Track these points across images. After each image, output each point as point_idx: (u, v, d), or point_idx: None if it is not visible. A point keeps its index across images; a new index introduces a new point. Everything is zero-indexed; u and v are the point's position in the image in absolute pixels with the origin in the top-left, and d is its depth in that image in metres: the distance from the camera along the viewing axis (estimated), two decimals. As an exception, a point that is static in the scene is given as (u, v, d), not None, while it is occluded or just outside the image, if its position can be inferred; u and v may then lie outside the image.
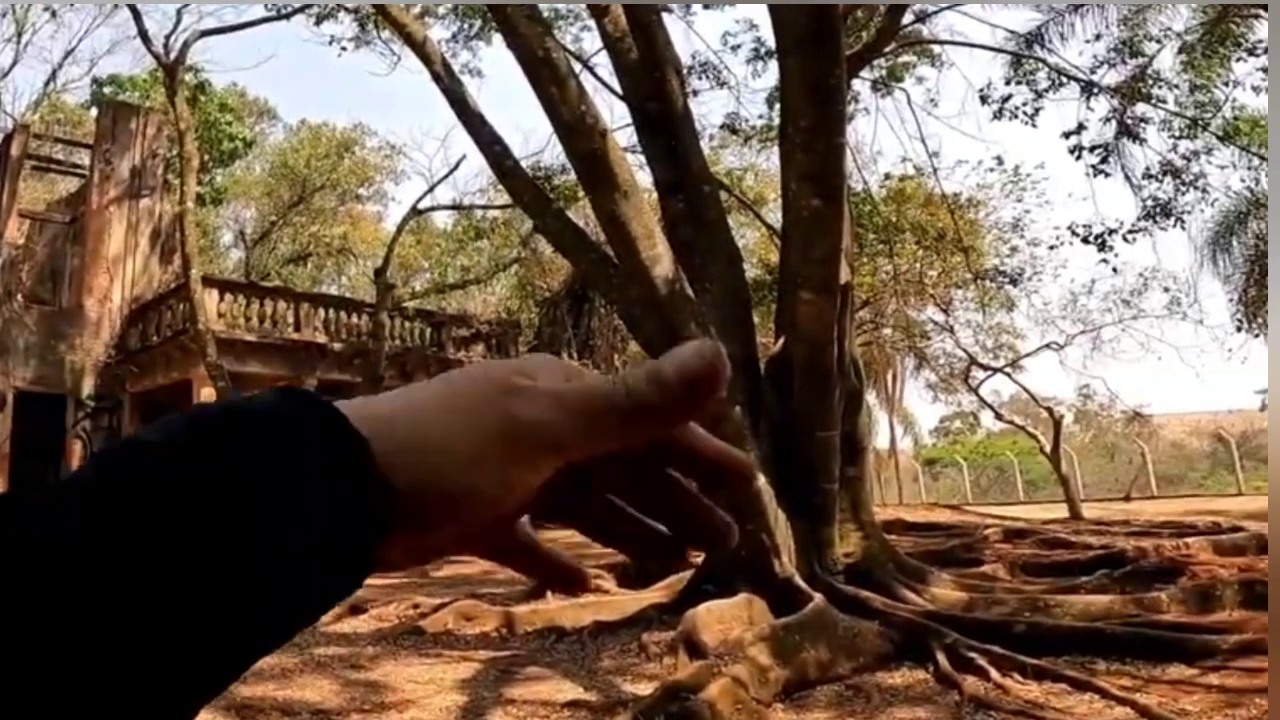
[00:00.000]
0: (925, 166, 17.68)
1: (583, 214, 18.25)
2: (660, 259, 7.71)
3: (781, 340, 7.76)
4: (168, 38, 17.54)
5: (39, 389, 17.55)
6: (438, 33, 16.24)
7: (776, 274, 9.53)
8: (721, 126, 18.30)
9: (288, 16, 17.97)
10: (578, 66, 9.57)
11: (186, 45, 17.48)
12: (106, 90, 26.97)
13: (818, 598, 6.63)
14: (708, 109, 51.13)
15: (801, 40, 6.81)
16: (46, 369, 17.80)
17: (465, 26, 17.49)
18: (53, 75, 29.24)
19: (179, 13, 17.88)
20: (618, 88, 9.64)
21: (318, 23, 18.14)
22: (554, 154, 19.25)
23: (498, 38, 17.34)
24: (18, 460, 16.95)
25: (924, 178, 18.55)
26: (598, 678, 6.18)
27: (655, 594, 8.29)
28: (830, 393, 7.69)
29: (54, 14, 21.65)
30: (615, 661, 6.57)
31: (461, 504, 0.37)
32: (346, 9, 17.61)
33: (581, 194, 18.50)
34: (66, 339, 18.21)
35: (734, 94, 20.24)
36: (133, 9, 17.28)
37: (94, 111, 24.43)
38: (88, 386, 18.28)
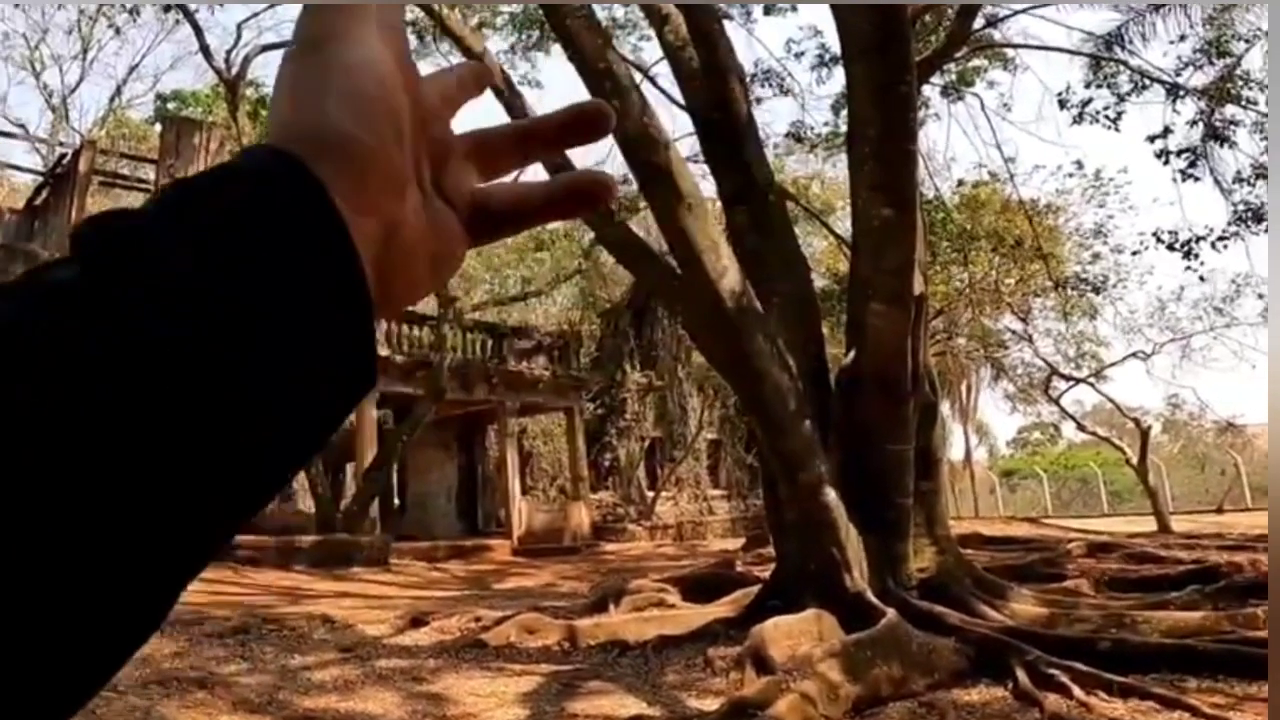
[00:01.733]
0: (1001, 172, 17.51)
1: (644, 224, 18.40)
2: (726, 271, 7.72)
3: (852, 352, 7.71)
4: (229, 53, 18.28)
5: None
6: (495, 44, 16.55)
7: (846, 284, 9.47)
8: (786, 134, 18.25)
9: None
10: (638, 76, 9.63)
11: (248, 60, 18.14)
12: (170, 106, 27.95)
13: (890, 613, 6.55)
14: (771, 117, 50.98)
15: (868, 47, 6.81)
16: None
17: (523, 37, 17.73)
18: (117, 91, 30.52)
19: (239, 28, 18.68)
20: (679, 97, 9.70)
21: None
22: (615, 164, 19.48)
23: (556, 48, 17.71)
24: None
25: (999, 183, 18.32)
26: (662, 692, 6.16)
27: (721, 608, 8.26)
28: (903, 406, 7.63)
29: (118, 31, 22.52)
30: (680, 676, 6.56)
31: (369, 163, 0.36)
32: (405, 22, 17.92)
33: (644, 204, 18.81)
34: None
35: (798, 101, 20.25)
36: (194, 25, 17.96)
37: (158, 127, 25.39)
38: None
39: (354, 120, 0.36)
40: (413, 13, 17.18)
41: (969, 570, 8.25)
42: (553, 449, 24.44)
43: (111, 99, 30.34)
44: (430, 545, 17.15)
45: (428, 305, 24.56)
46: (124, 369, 0.26)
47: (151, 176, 20.93)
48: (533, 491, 22.76)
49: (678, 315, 13.07)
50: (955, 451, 29.32)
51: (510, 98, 9.53)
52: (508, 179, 0.46)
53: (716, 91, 8.51)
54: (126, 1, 16.71)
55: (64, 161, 20.46)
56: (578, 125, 0.45)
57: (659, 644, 7.31)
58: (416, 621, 8.41)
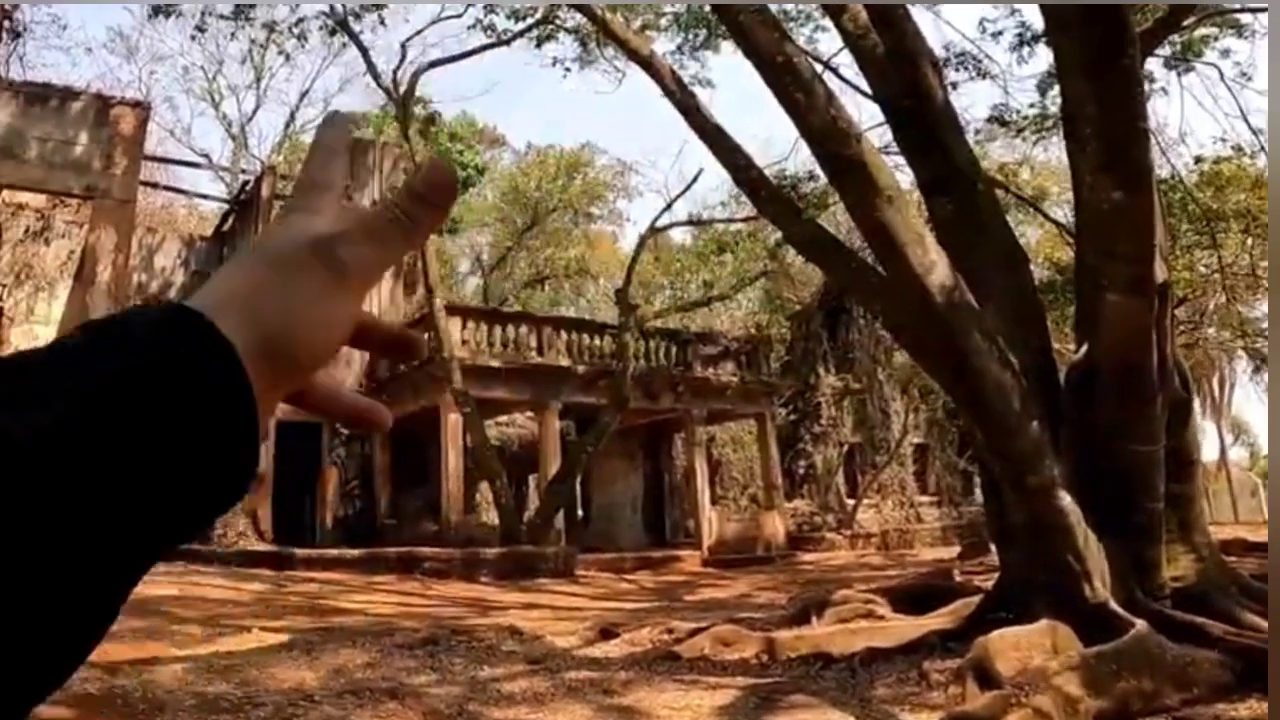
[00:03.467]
0: (1249, 145, 16.38)
1: (833, 221, 18.17)
2: (934, 266, 7.53)
3: (1084, 347, 7.34)
4: (395, 72, 19.30)
5: (297, 418, 19.16)
6: (662, 45, 16.82)
7: (1070, 274, 9.03)
8: (988, 119, 17.63)
9: (508, 42, 19.22)
10: (817, 68, 9.54)
11: (415, 78, 19.04)
12: (342, 128, 30.01)
13: (1139, 624, 6.21)
14: (969, 101, 49.04)
15: (1078, 21, 6.52)
16: (305, 400, 19.73)
17: (690, 37, 17.93)
18: (291, 117, 33.18)
19: (403, 47, 19.70)
20: (864, 86, 9.56)
21: (538, 45, 19.21)
22: (798, 161, 19.52)
23: (726, 46, 17.81)
24: (279, 486, 19.06)
25: (1246, 157, 16.99)
26: (871, 707, 6.02)
27: (938, 620, 8.04)
28: (1150, 403, 7.25)
29: (288, 57, 24.46)
30: (891, 690, 6.38)
31: (313, 352, 0.48)
32: (567, 30, 18.60)
33: (832, 201, 18.71)
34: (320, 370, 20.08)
35: (998, 84, 19.44)
36: (360, 46, 19.31)
37: (332, 150, 27.18)
38: None
39: (305, 356, 0.47)
40: (574, 18, 17.85)
41: (1234, 578, 7.70)
42: (743, 457, 24.55)
43: (286, 124, 33.07)
44: (616, 556, 17.51)
45: (608, 313, 25.32)
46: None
47: (330, 198, 22.43)
48: (723, 501, 22.92)
49: (877, 314, 12.88)
50: (1208, 452, 27.03)
51: (683, 99, 9.64)
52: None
53: (907, 78, 8.35)
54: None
55: (247, 188, 22.32)
56: (395, 347, 0.60)
57: (867, 657, 7.15)
58: (606, 633, 8.54)
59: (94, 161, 18.49)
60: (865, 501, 23.56)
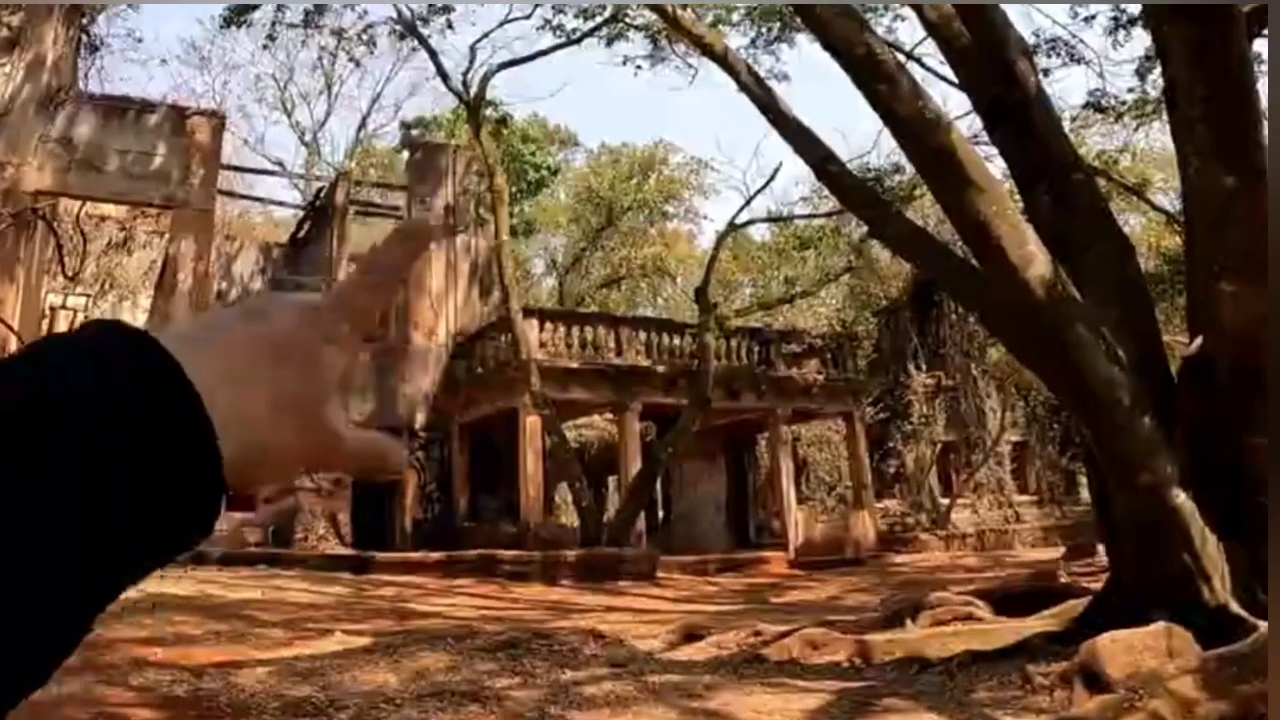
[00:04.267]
0: None
1: (920, 214, 17.96)
2: (1033, 258, 7.47)
3: (1199, 339, 7.14)
4: (465, 75, 19.66)
5: (375, 423, 19.73)
6: (734, 40, 16.82)
7: (1179, 264, 8.84)
8: (1084, 106, 17.29)
9: (577, 41, 19.50)
10: (900, 57, 9.50)
11: (485, 80, 19.39)
12: (414, 132, 30.79)
13: (1263, 626, 5.97)
14: (1062, 88, 47.85)
15: (1181, 3, 6.41)
16: (381, 403, 20.46)
17: (763, 31, 17.92)
18: (362, 123, 34.05)
19: (472, 50, 20.13)
20: (950, 75, 9.50)
21: (609, 44, 19.48)
22: (882, 154, 19.36)
23: (800, 39, 17.76)
24: (359, 490, 19.61)
25: None
26: (971, 710, 5.96)
27: (1042, 622, 7.94)
28: (1267, 396, 7.02)
29: (357, 63, 25.10)
30: (992, 694, 6.30)
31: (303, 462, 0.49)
32: (636, 27, 18.70)
33: (918, 193, 18.54)
34: (397, 374, 20.84)
35: (1094, 69, 19.03)
36: (429, 50, 19.72)
37: (405, 155, 28.03)
38: (419, 418, 20.81)
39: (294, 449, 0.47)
40: (644, 15, 17.95)
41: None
42: (830, 456, 24.56)
43: (358, 130, 33.93)
44: (699, 558, 17.49)
45: (687, 313, 25.38)
46: None
47: (402, 202, 23.09)
48: (809, 501, 22.90)
49: (972, 309, 12.76)
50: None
51: (759, 93, 9.67)
52: None
53: (996, 66, 8.30)
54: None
55: (321, 195, 22.96)
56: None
57: (966, 660, 7.05)
58: (691, 636, 8.55)
59: (172, 172, 19.16)
60: (960, 501, 23.32)
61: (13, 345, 16.24)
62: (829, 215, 23.49)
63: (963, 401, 24.80)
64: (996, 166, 9.64)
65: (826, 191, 17.01)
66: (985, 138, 9.32)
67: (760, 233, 32.70)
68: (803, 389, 20.87)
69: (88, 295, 18.80)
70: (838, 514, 21.91)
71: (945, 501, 23.36)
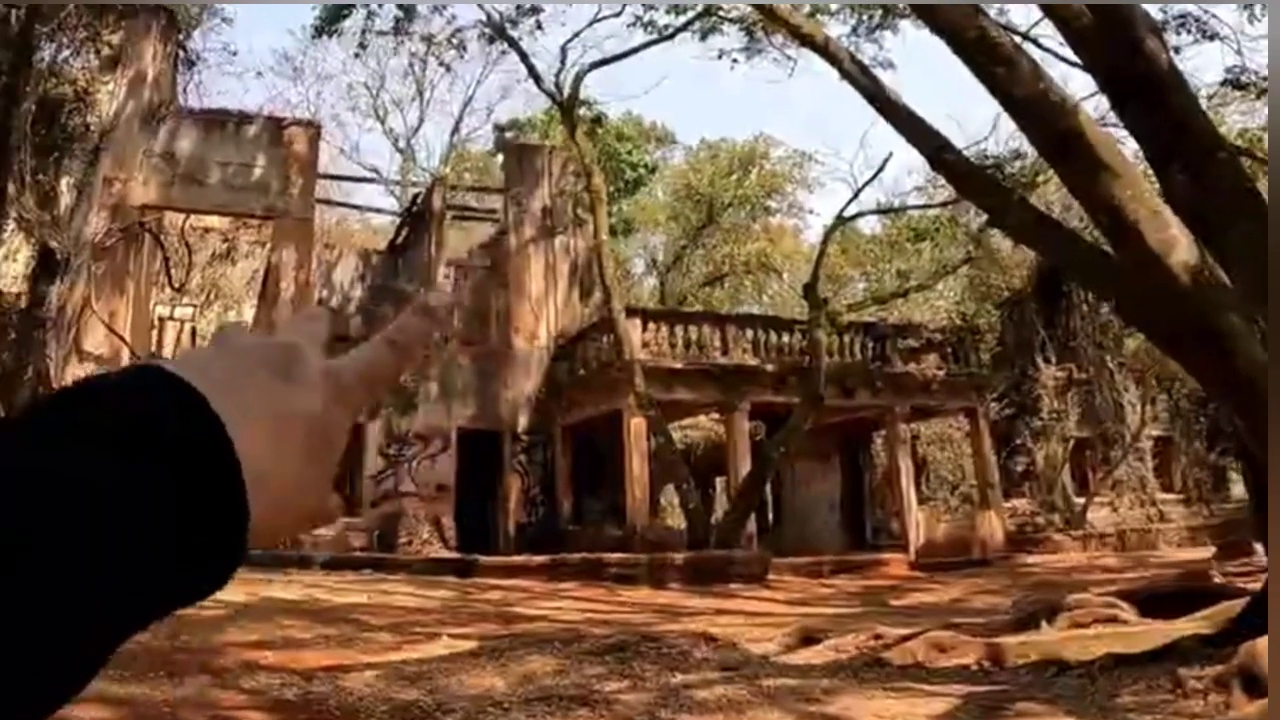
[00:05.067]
0: None
1: (1043, 201, 17.54)
2: (1175, 242, 7.26)
3: None
4: (557, 76, 20.00)
5: (477, 426, 20.73)
6: (834, 29, 16.77)
7: None
8: (1222, 83, 16.62)
9: (670, 37, 19.63)
10: (1015, 39, 9.33)
11: (578, 80, 19.67)
12: (508, 135, 31.37)
13: None
14: (1195, 64, 45.99)
15: None
16: (483, 407, 20.94)
17: (864, 19, 17.78)
18: (455, 127, 34.83)
19: (563, 50, 20.36)
20: (1070, 55, 9.33)
21: (703, 38, 19.52)
22: (1000, 140, 19.04)
23: (904, 25, 17.49)
24: (462, 494, 20.11)
25: None
26: (1115, 715, 5.85)
27: (1193, 624, 7.77)
28: None
29: (448, 68, 25.65)
30: (1138, 698, 6.14)
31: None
32: (731, 21, 18.67)
33: (1042, 179, 18.07)
34: (499, 377, 21.27)
35: (1230, 45, 18.37)
36: (520, 53, 20.13)
37: (499, 157, 28.56)
38: (522, 421, 21.19)
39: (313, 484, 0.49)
40: (738, 8, 17.92)
41: None
42: (952, 454, 24.33)
43: (451, 135, 34.76)
44: (813, 560, 17.43)
45: (796, 308, 25.18)
46: None
47: (499, 205, 23.51)
48: (930, 501, 22.72)
49: (1106, 299, 12.39)
50: None
51: (865, 82, 9.63)
52: None
53: (1121, 44, 8.00)
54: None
55: (418, 201, 23.60)
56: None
57: (1108, 663, 6.90)
58: (807, 639, 8.51)
59: (272, 182, 19.98)
60: (1097, 499, 22.82)
61: (125, 356, 17.12)
62: (944, 205, 23.16)
63: (1098, 395, 24.30)
64: (1128, 148, 9.37)
65: (941, 181, 16.84)
66: (1113, 119, 9.16)
67: (870, 225, 32.42)
68: (921, 385, 20.63)
69: (194, 305, 19.67)
70: (961, 514, 21.69)
71: (1080, 500, 22.90)
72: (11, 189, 16.94)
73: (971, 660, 7.62)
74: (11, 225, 17.62)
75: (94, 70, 19.05)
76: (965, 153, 11.00)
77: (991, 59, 7.75)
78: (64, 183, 18.45)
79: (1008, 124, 9.18)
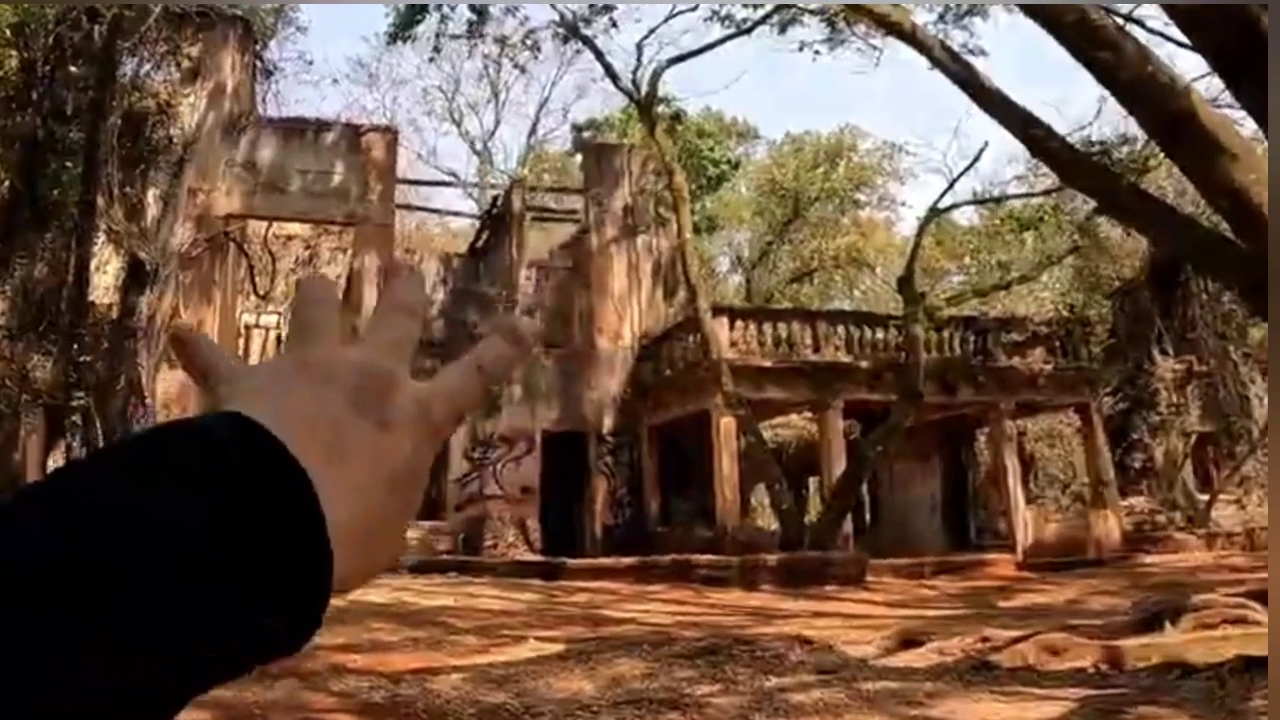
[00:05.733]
0: None
1: (1153, 186, 17.11)
2: None
3: None
4: (634, 74, 20.12)
5: (562, 428, 21.00)
6: (920, 17, 16.54)
7: None
8: None
9: (748, 31, 19.65)
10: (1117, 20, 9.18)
11: (655, 77, 19.82)
12: (586, 134, 31.71)
13: None
14: None
15: None
16: (567, 409, 21.18)
17: (951, 6, 17.57)
18: (532, 128, 35.32)
19: (639, 47, 20.49)
20: (1178, 35, 9.14)
21: (781, 31, 19.45)
22: (1106, 125, 18.65)
23: (994, 10, 17.17)
24: (547, 496, 20.40)
25: None
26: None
27: None
28: None
29: (522, 70, 26.00)
30: (1270, 702, 5.74)
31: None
32: (811, 12, 18.55)
33: (1154, 163, 17.60)
34: (583, 378, 21.50)
35: None
36: (595, 51, 20.31)
37: (577, 158, 28.83)
38: (607, 422, 21.42)
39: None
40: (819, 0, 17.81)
41: None
42: (1061, 451, 24.05)
43: (528, 136, 35.31)
44: (913, 561, 17.34)
45: (890, 304, 24.90)
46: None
47: (579, 206, 23.71)
48: (1039, 500, 22.42)
49: (1228, 285, 12.00)
50: None
51: (957, 69, 9.60)
52: None
53: (1232, 21, 7.76)
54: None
55: (497, 203, 23.99)
56: None
57: (1239, 666, 6.67)
58: (908, 642, 8.43)
59: (351, 189, 20.50)
60: (1222, 497, 22.08)
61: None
62: (1047, 194, 22.88)
63: (1221, 388, 23.71)
64: (1246, 129, 9.12)
65: (1044, 169, 16.48)
66: (1227, 100, 9.15)
67: (966, 216, 32.02)
68: (1028, 380, 20.35)
69: (278, 313, 20.22)
70: (1073, 513, 21.40)
71: (1204, 498, 22.31)
72: (100, 202, 17.68)
73: (1088, 663, 7.49)
74: (101, 238, 18.39)
75: (175, 83, 19.79)
76: (1069, 139, 10.79)
77: (1093, 43, 7.68)
78: (150, 194, 19.15)
79: (1113, 107, 8.99)
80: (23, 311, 18.06)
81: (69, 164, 18.33)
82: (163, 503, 0.36)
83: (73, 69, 18.64)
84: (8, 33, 17.98)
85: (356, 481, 0.43)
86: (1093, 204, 14.23)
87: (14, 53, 18.30)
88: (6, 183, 18.69)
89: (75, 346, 17.21)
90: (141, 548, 0.34)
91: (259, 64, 21.86)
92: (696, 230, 24.70)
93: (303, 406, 0.44)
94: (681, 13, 20.61)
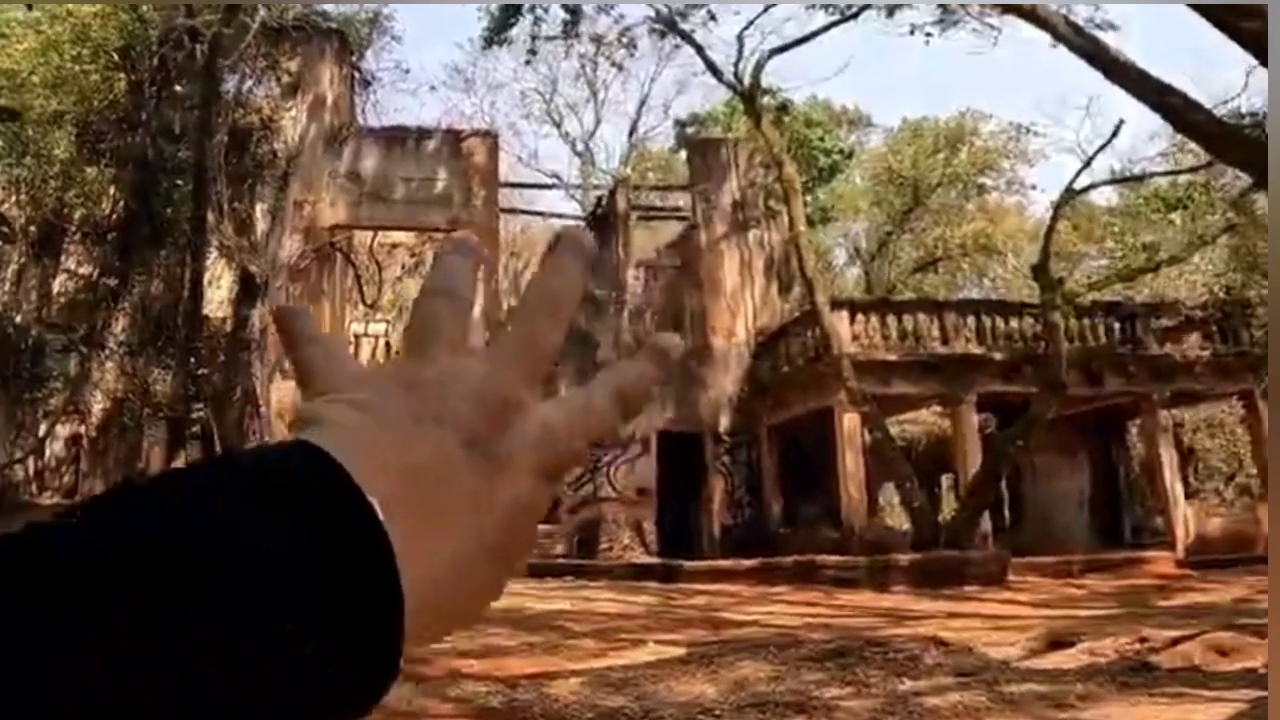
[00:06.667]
0: None
1: None
2: None
3: None
4: (736, 66, 20.07)
5: (678, 428, 21.03)
6: None
7: None
8: None
9: (854, 16, 19.44)
10: None
11: (758, 68, 19.74)
12: (689, 130, 31.81)
13: None
14: None
15: None
16: (682, 408, 21.18)
17: None
18: (633, 126, 35.52)
19: (739, 39, 20.41)
20: None
21: (889, 15, 19.24)
22: (1255, 96, 18.13)
23: None
24: (664, 497, 20.56)
25: None
26: None
27: None
28: None
29: (620, 68, 26.15)
30: None
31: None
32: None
33: None
34: (697, 378, 21.50)
35: None
36: (694, 45, 20.33)
37: (682, 154, 28.94)
38: (723, 422, 21.49)
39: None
40: None
41: None
42: (1224, 443, 23.24)
43: (629, 135, 35.60)
44: (1060, 559, 16.98)
45: (1025, 291, 24.23)
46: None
47: (684, 203, 23.73)
48: (1200, 494, 21.82)
49: None
50: None
51: (1082, 44, 9.50)
52: None
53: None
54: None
55: (601, 204, 24.23)
56: None
57: None
58: (1056, 643, 8.23)
59: (454, 194, 21.09)
60: None
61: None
62: (1194, 170, 22.28)
63: None
64: None
65: (1191, 144, 15.85)
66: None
67: (1105, 197, 31.05)
68: (1183, 367, 19.83)
69: (386, 321, 20.75)
70: (1239, 507, 20.63)
71: None
72: (211, 218, 18.48)
73: (1259, 664, 7.11)
74: (214, 253, 19.19)
75: (276, 98, 20.62)
76: (1217, 111, 10.40)
77: (1235, 11, 7.50)
78: (258, 209, 19.98)
79: (1259, 79, 8.64)
80: (142, 328, 19.00)
81: (179, 182, 19.22)
82: (248, 525, 0.34)
83: (178, 88, 19.52)
84: (115, 56, 18.89)
85: (451, 540, 0.39)
86: (1247, 179, 13.60)
87: (121, 75, 19.23)
88: (122, 203, 19.65)
89: (192, 360, 18.03)
90: (230, 555, 0.32)
91: (356, 75, 22.63)
92: (810, 222, 24.52)
93: (404, 452, 0.39)
94: (781, 1, 20.51)
